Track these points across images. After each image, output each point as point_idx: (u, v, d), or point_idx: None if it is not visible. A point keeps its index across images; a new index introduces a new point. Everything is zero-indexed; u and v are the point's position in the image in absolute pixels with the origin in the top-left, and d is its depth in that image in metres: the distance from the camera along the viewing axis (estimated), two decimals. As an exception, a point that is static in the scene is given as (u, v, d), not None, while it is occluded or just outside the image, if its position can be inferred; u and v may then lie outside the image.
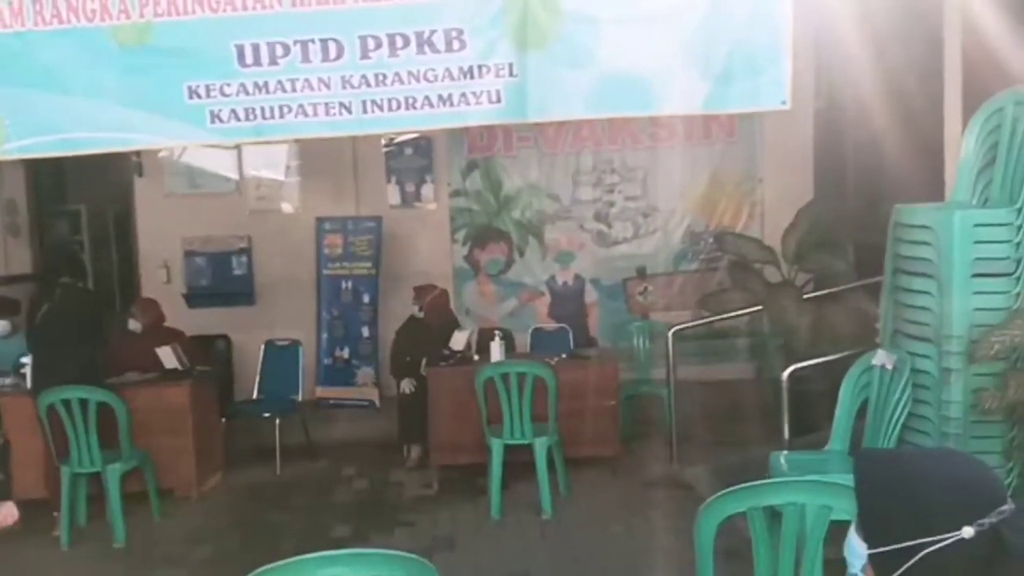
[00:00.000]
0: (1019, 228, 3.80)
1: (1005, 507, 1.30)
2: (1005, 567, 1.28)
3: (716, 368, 7.23)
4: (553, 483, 5.34)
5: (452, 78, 3.57)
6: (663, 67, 3.64)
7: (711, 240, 7.67)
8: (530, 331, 7.10)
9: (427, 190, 8.21)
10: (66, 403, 5.02)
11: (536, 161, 8.03)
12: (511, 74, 3.57)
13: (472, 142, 8.05)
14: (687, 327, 6.32)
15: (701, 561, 2.59)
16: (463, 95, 3.58)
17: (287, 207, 8.19)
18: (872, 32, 5.79)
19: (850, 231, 6.35)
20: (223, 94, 3.54)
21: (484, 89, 3.59)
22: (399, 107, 3.60)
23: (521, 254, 8.13)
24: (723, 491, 2.55)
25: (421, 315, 6.53)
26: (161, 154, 7.87)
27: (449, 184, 8.13)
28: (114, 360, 5.78)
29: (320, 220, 7.99)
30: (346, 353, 7.92)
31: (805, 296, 6.09)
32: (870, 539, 1.40)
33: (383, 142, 7.97)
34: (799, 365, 4.79)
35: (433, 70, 3.56)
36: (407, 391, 6.27)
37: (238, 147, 7.94)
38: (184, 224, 7.95)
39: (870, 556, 1.39)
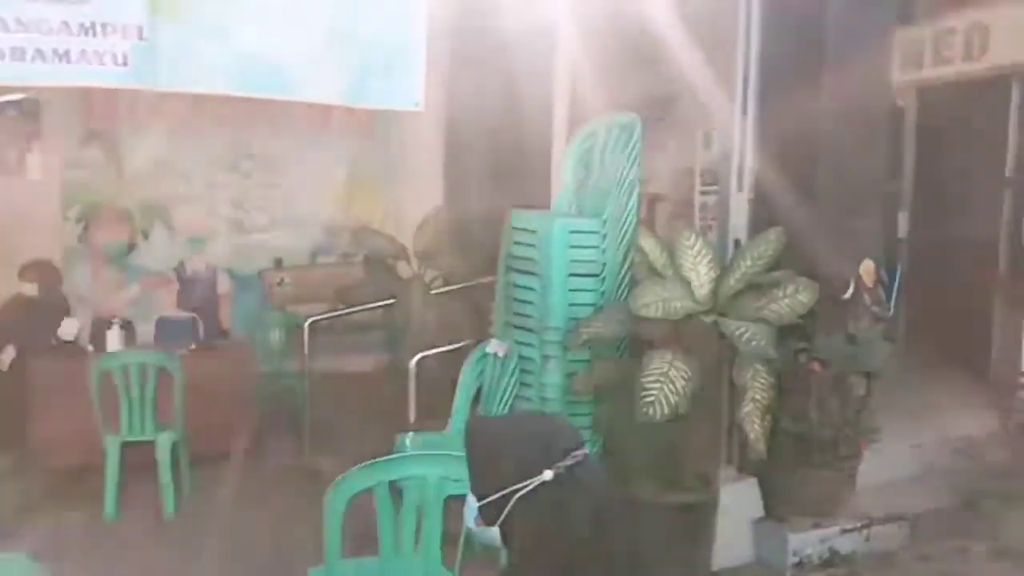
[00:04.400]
0: (603, 236, 4.43)
1: (579, 452, 1.58)
2: (580, 499, 1.55)
3: (351, 360, 7.34)
4: (178, 480, 5.06)
5: (70, 32, 3.26)
6: (303, 54, 3.66)
7: (347, 234, 7.77)
8: (155, 321, 6.62)
9: (33, 159, 7.28)
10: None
11: (167, 138, 7.51)
12: (140, 37, 3.35)
13: (93, 109, 7.31)
14: (322, 319, 6.36)
15: (330, 538, 2.65)
16: (83, 52, 3.29)
17: None
18: (498, 55, 6.39)
19: (474, 233, 6.86)
20: None
21: (108, 49, 3.32)
22: (3, 58, 3.21)
23: (146, 237, 7.55)
24: (352, 469, 2.64)
25: (35, 294, 5.84)
26: None
27: (62, 154, 7.29)
28: None
29: None
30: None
31: (433, 292, 6.44)
32: (478, 493, 1.61)
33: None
34: (425, 353, 5.08)
35: (47, 21, 3.22)
36: None
37: None
38: None
39: (480, 508, 1.60)
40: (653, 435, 3.88)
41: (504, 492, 1.55)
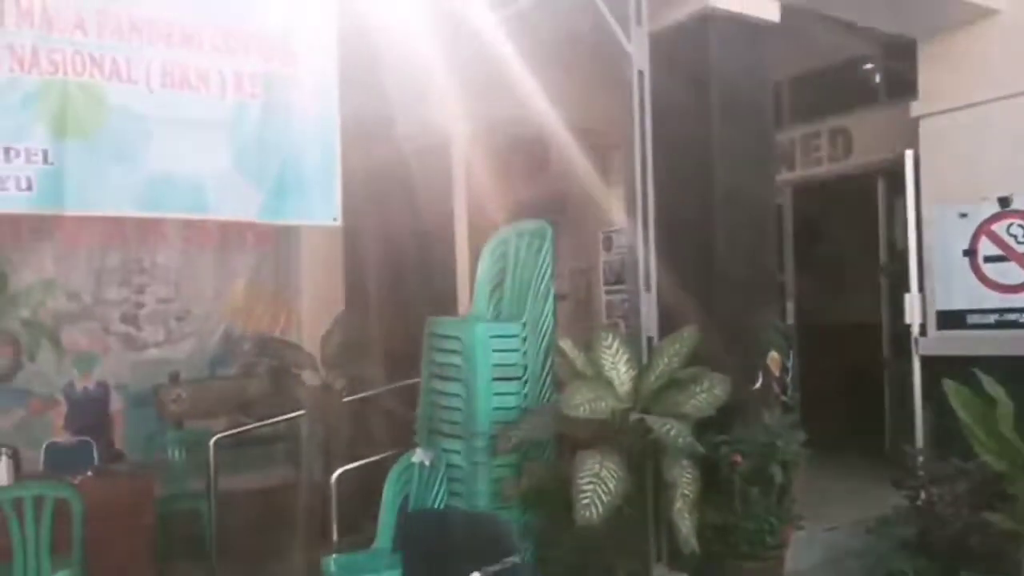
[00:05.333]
0: (524, 339, 4.50)
1: (511, 558, 1.61)
2: None
3: (257, 476, 7.03)
4: (75, 622, 4.66)
5: (-26, 160, 3.15)
6: (216, 172, 3.65)
7: (249, 346, 7.57)
8: (44, 447, 6.20)
9: (-95, 284, 6.85)
10: None
11: (51, 255, 7.21)
12: (45, 161, 3.27)
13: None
14: (229, 434, 6.12)
15: None
16: (-10, 177, 3.17)
17: None
18: (395, 166, 6.55)
19: (378, 338, 6.81)
20: None
21: (12, 174, 3.22)
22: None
23: (32, 358, 7.13)
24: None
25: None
26: None
27: (-65, 276, 6.88)
28: None
29: None
30: None
31: (344, 399, 6.31)
32: None
33: None
34: (347, 467, 4.95)
35: (-49, 150, 3.11)
36: None
37: None
38: None
39: None
40: (586, 537, 3.87)
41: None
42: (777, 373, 4.69)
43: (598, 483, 3.69)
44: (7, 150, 3.18)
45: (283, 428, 6.89)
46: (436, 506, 4.16)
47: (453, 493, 4.30)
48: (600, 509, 3.67)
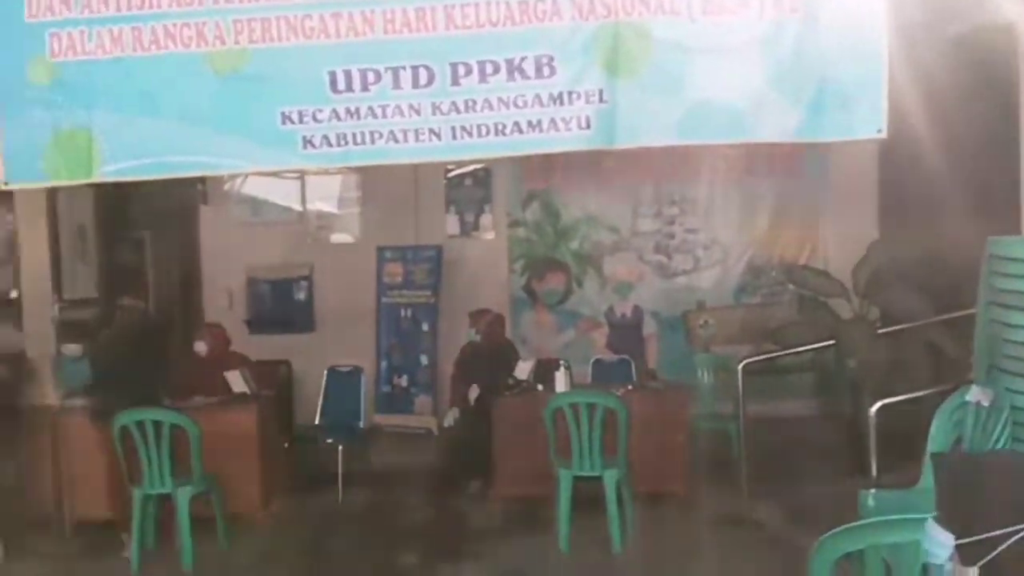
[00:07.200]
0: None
1: None
2: None
3: (779, 404, 7.08)
4: (623, 517, 5.23)
5: (542, 104, 3.56)
6: (752, 95, 3.61)
7: (774, 273, 7.57)
8: (591, 362, 7.03)
9: (486, 220, 8.24)
10: (140, 425, 5.05)
11: (595, 192, 8.03)
12: (601, 100, 3.56)
13: (530, 173, 8.07)
14: (756, 360, 6.21)
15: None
16: (552, 121, 3.57)
17: (348, 236, 8.26)
18: (948, 61, 5.73)
19: (919, 265, 6.23)
20: (315, 120, 3.55)
21: (573, 115, 3.58)
22: (488, 133, 3.59)
23: (579, 284, 8.09)
24: (838, 528, 2.47)
25: (477, 338, 6.51)
26: (226, 183, 8.00)
27: (508, 214, 8.14)
28: (180, 383, 5.82)
29: (380, 249, 8.05)
30: (404, 381, 7.94)
31: (879, 331, 5.96)
32: (956, 531, 1.54)
33: (444, 173, 8.03)
34: (888, 400, 4.65)
35: (523, 96, 3.55)
36: (450, 423, 6.26)
37: (301, 177, 8.06)
38: (247, 252, 8.05)
39: (957, 546, 1.49)
40: None
41: (994, 534, 1.37)
42: None
43: None
44: (570, 93, 3.53)
45: (810, 358, 6.80)
46: (996, 449, 3.70)
47: (1016, 439, 3.77)
48: None
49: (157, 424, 5.07)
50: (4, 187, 3.58)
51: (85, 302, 7.97)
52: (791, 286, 7.05)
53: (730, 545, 5.10)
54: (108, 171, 3.61)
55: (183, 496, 5.07)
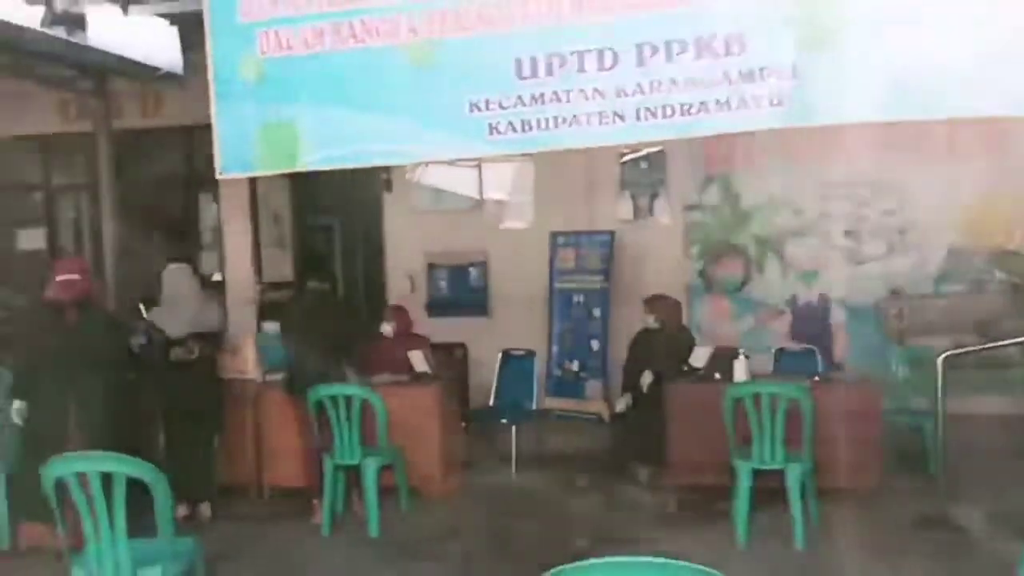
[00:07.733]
0: None
1: None
2: None
3: (986, 400, 6.54)
4: (804, 513, 5.01)
5: (730, 82, 3.46)
6: (960, 71, 3.36)
7: (980, 260, 6.99)
8: (774, 351, 6.77)
9: (660, 204, 8.11)
10: (333, 399, 5.35)
11: (779, 173, 7.69)
12: (793, 76, 3.42)
13: (710, 155, 7.85)
14: (960, 352, 5.75)
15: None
16: (742, 99, 3.46)
17: (522, 222, 8.37)
18: None
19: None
20: (501, 107, 3.62)
21: (764, 92, 3.45)
22: (674, 113, 3.52)
23: (760, 270, 7.81)
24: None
25: (656, 325, 6.39)
26: (407, 172, 8.31)
27: (685, 198, 7.97)
28: (368, 361, 6.09)
29: (554, 235, 8.10)
30: (575, 366, 7.97)
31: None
32: None
33: (618, 157, 7.96)
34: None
35: (712, 75, 3.46)
36: (622, 408, 6.20)
37: (478, 165, 8.24)
38: (427, 238, 8.34)
39: None
40: None
41: None
42: None
43: None
44: (761, 70, 3.40)
45: (1017, 352, 6.24)
46: None
47: None
48: None
49: (348, 399, 5.35)
50: (220, 177, 3.88)
51: (281, 285, 8.54)
52: (999, 274, 6.47)
53: (924, 549, 4.77)
54: (310, 161, 3.85)
55: (371, 467, 5.33)
